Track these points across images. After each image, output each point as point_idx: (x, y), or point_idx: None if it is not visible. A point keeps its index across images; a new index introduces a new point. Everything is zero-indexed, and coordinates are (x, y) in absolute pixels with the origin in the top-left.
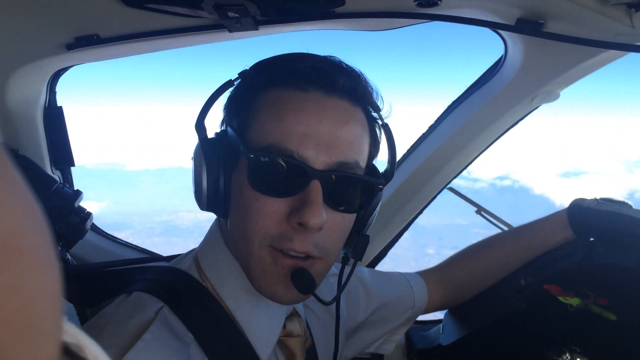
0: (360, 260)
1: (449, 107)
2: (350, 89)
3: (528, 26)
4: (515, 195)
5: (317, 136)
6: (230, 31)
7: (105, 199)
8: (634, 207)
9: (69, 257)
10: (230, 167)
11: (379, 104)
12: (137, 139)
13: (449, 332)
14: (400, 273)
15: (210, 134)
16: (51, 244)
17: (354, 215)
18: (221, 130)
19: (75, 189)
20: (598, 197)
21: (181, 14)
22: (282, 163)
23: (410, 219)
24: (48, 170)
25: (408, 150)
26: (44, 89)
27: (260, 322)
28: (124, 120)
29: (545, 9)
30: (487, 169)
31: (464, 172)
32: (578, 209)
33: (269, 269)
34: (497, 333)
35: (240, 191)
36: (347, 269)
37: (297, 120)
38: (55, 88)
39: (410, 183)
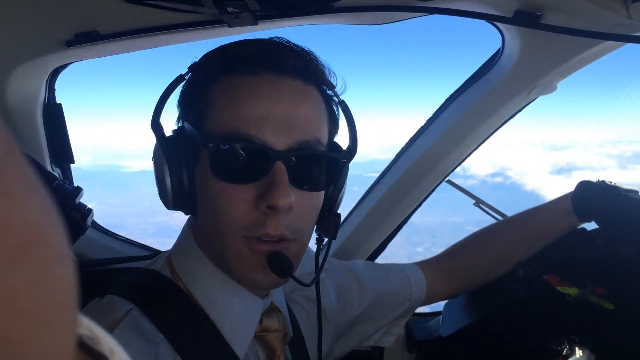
0: (334, 239)
1: (447, 100)
2: (301, 68)
3: (526, 18)
4: (508, 191)
5: (274, 118)
6: (229, 26)
7: (99, 200)
8: None
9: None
10: (191, 162)
11: (332, 81)
12: (134, 140)
13: (448, 323)
14: (397, 264)
15: (168, 132)
16: (65, 239)
17: (322, 193)
18: (178, 127)
19: (76, 185)
20: (606, 181)
21: (180, 9)
22: (243, 148)
23: (408, 212)
24: (48, 167)
25: (406, 143)
26: (43, 86)
27: (234, 318)
28: (121, 121)
29: (542, 1)
30: (478, 166)
31: (459, 169)
32: (583, 195)
33: (246, 257)
34: (496, 323)
35: (205, 185)
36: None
37: (252, 105)
38: (54, 85)
39: (409, 176)
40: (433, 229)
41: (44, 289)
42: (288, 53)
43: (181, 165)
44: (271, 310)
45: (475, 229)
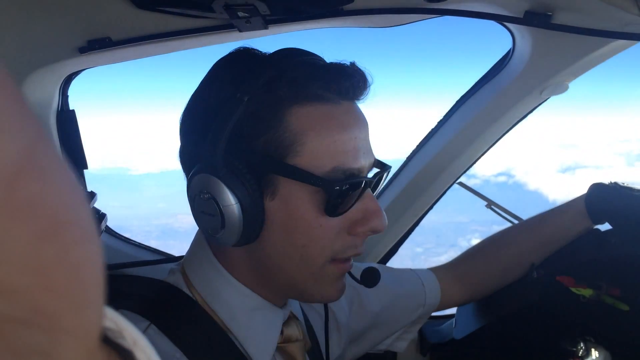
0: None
1: (458, 101)
2: (365, 91)
3: (536, 18)
4: (513, 191)
5: (362, 146)
6: (240, 31)
7: (105, 203)
8: None
9: None
10: (261, 195)
11: None
12: (142, 142)
13: (461, 326)
14: (411, 269)
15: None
16: (92, 219)
17: None
18: (238, 157)
19: (90, 190)
20: (619, 182)
21: (192, 15)
22: (350, 184)
23: (420, 215)
24: None
25: (417, 145)
26: (57, 93)
27: (257, 331)
28: (129, 123)
29: (553, 0)
30: (482, 166)
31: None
32: (596, 197)
33: (330, 280)
34: (510, 326)
35: (292, 219)
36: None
37: (347, 137)
38: (67, 91)
39: (420, 178)
40: (438, 229)
41: (73, 266)
42: (362, 79)
43: (255, 202)
44: (289, 319)
45: (481, 229)
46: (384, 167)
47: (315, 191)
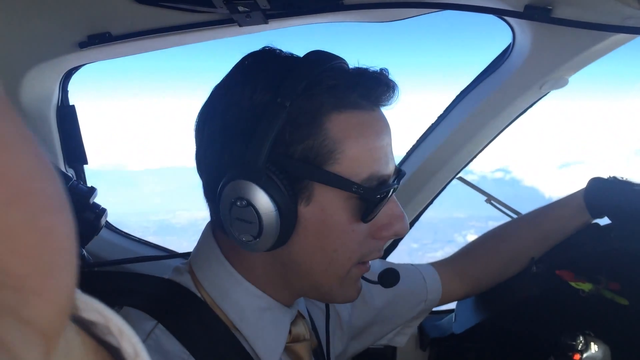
0: None
1: (458, 96)
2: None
3: (536, 12)
4: (510, 187)
5: (390, 152)
6: (240, 25)
7: (103, 199)
8: None
9: (85, 253)
10: (297, 201)
11: None
12: (140, 138)
13: (461, 321)
14: (412, 265)
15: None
16: (61, 191)
17: None
18: (277, 164)
19: (90, 185)
20: (618, 176)
21: (192, 10)
22: (384, 191)
23: (420, 210)
24: (62, 168)
25: (417, 140)
26: (57, 88)
27: (266, 331)
28: (127, 120)
29: None
30: (479, 163)
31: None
32: (595, 191)
33: (351, 282)
34: (509, 320)
35: (326, 225)
36: None
37: (380, 144)
38: (67, 87)
39: (420, 173)
40: (435, 225)
41: (41, 231)
42: (394, 86)
43: (294, 210)
44: (297, 318)
45: (479, 225)
46: (399, 172)
47: (350, 197)
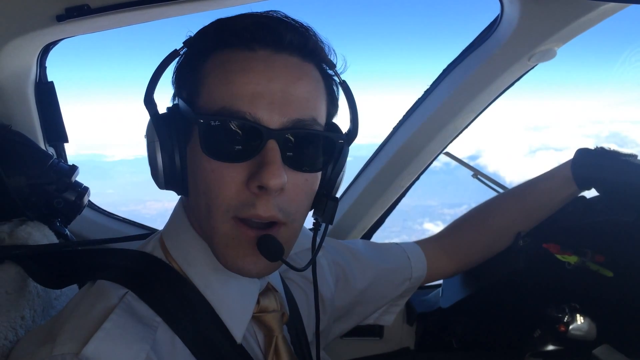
0: (331, 224)
1: (445, 70)
2: (299, 44)
3: None
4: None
5: (269, 95)
6: None
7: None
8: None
9: (68, 232)
10: (184, 140)
11: (332, 59)
12: (116, 127)
13: (448, 295)
14: (396, 243)
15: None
16: None
17: (318, 175)
18: (173, 104)
19: (71, 164)
20: (605, 147)
21: None
22: (235, 125)
23: (406, 186)
24: (42, 146)
25: (404, 116)
26: (34, 64)
27: (232, 299)
28: (103, 107)
29: None
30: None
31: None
32: (582, 162)
33: (233, 244)
34: (496, 293)
35: (196, 164)
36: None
37: (246, 80)
38: (45, 62)
39: (407, 149)
40: (406, 213)
41: None
42: (285, 28)
43: (173, 143)
44: (268, 290)
45: (451, 212)
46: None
47: (200, 130)
